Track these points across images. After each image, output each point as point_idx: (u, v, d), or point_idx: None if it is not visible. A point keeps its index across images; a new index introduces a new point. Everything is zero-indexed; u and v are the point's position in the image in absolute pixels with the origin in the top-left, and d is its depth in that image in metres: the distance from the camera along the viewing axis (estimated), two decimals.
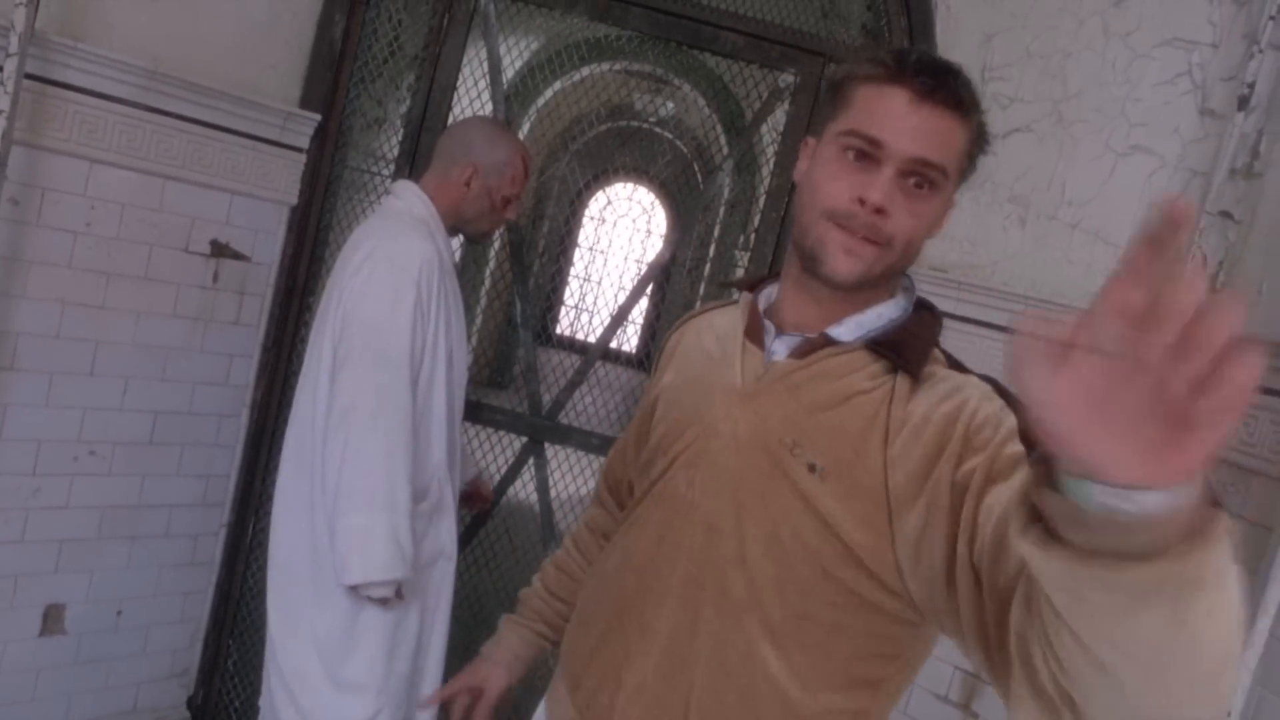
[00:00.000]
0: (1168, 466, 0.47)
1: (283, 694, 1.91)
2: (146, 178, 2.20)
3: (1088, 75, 2.22)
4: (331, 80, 2.47)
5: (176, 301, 2.33)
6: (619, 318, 2.73)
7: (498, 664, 1.38)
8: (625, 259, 8.47)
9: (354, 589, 1.81)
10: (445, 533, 2.01)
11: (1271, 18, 1.95)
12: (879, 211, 0.97)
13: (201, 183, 2.29)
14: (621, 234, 8.69)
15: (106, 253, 2.18)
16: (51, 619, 2.31)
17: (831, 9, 2.78)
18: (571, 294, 8.10)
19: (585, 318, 8.12)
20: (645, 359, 7.75)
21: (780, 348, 1.07)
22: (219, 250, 2.37)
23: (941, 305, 2.48)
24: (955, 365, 1.05)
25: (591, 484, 2.79)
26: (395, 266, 1.81)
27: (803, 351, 1.05)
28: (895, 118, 0.97)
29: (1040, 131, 2.28)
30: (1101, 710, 0.67)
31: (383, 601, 1.84)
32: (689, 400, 1.12)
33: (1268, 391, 1.78)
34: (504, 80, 2.53)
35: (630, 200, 8.77)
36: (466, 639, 2.06)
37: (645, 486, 1.15)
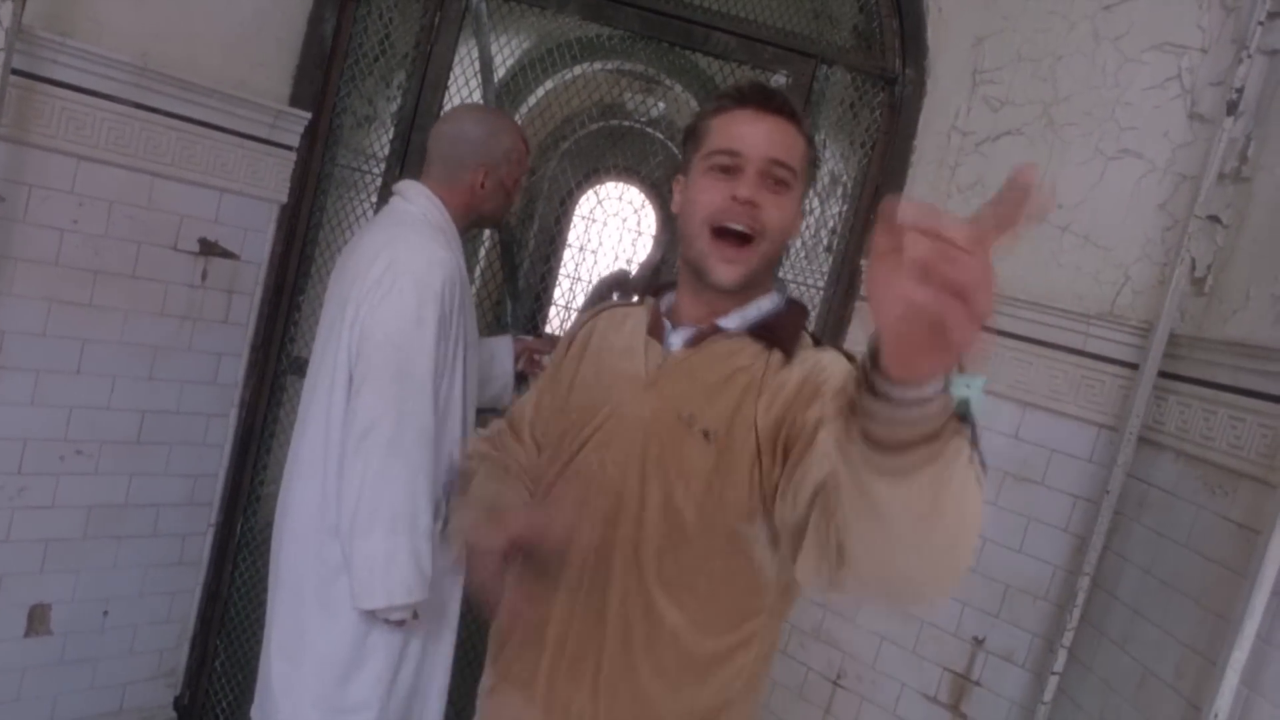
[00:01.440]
0: (926, 364, 0.66)
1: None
2: (135, 175, 2.18)
3: (1078, 79, 2.23)
4: (322, 78, 2.46)
5: (165, 300, 2.31)
6: None
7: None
8: (615, 258, 8.47)
9: (371, 611, 1.77)
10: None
11: (1260, 23, 1.96)
12: (751, 204, 1.17)
13: (190, 180, 2.27)
14: (611, 233, 8.69)
15: (94, 250, 2.17)
16: (37, 619, 2.29)
17: (823, 11, 2.78)
18: (561, 293, 8.09)
19: (575, 317, 8.11)
20: None
21: (676, 340, 1.26)
22: (208, 248, 2.36)
23: None
24: (819, 344, 1.26)
25: None
26: (418, 282, 1.73)
27: (695, 340, 1.24)
28: (746, 131, 1.18)
29: (1030, 134, 2.29)
30: (867, 559, 0.87)
31: (399, 623, 1.81)
32: (599, 391, 1.28)
33: (1253, 395, 1.80)
34: (495, 79, 2.53)
35: (620, 200, 8.77)
36: (462, 642, 2.05)
37: (558, 468, 1.28)
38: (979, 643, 2.29)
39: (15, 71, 1.91)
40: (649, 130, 6.91)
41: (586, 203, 9.18)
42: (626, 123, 6.71)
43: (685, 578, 1.16)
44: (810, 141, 1.25)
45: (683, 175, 1.28)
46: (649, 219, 9.09)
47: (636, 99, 5.88)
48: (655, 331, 1.29)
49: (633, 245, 9.03)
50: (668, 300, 1.34)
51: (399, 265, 1.75)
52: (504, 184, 1.98)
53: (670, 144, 7.03)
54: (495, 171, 1.95)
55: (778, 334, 1.21)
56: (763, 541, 1.15)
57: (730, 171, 1.19)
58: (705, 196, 1.20)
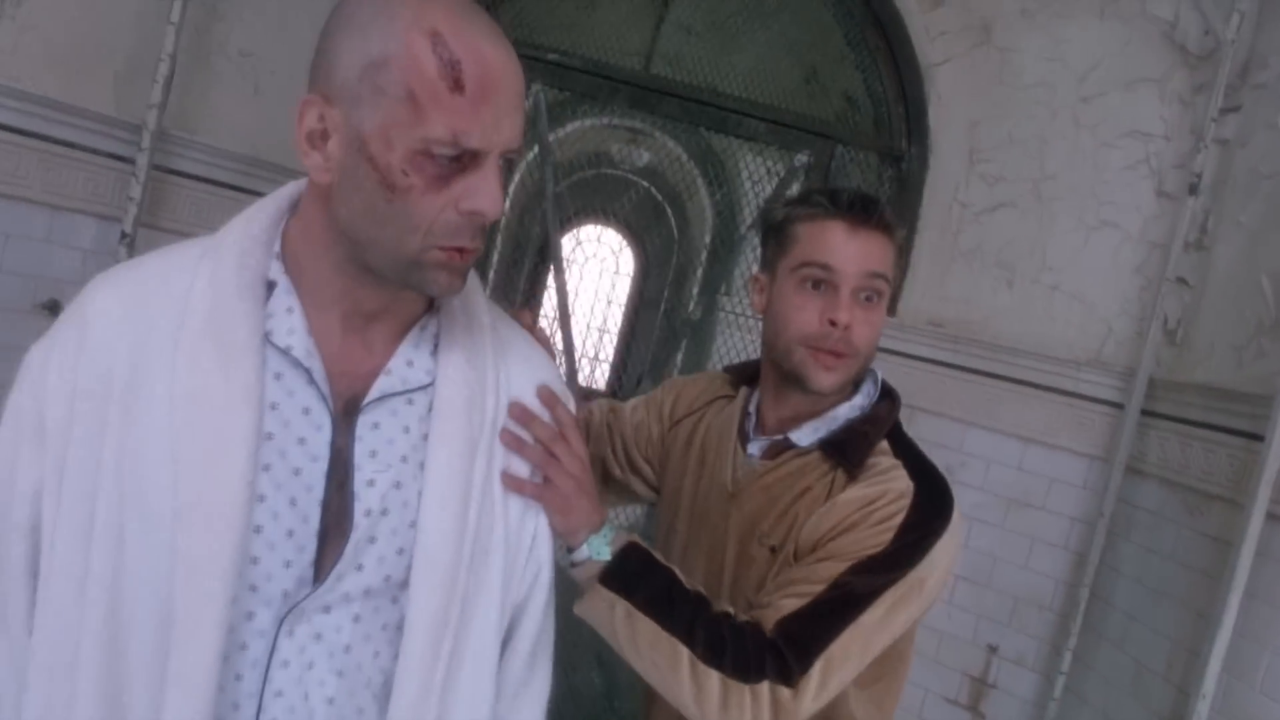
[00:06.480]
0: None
1: None
2: None
3: (1061, 159, 2.59)
4: None
5: None
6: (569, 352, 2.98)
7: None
8: (595, 298, 8.75)
9: None
10: None
11: (1213, 119, 2.34)
12: (846, 328, 1.15)
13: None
14: (590, 275, 8.97)
15: None
16: None
17: (830, 90, 3.14)
18: (549, 334, 8.33)
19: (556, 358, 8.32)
20: (615, 396, 7.99)
21: (755, 449, 1.28)
22: None
23: (938, 356, 2.83)
24: (902, 451, 1.20)
25: None
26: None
27: (772, 454, 1.26)
28: (839, 245, 1.16)
29: (1022, 207, 2.64)
30: None
31: None
32: (698, 491, 1.34)
33: (1221, 430, 2.13)
34: None
35: (599, 241, 9.07)
36: None
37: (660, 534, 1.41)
38: (993, 650, 2.60)
39: (154, 167, 2.17)
40: (632, 177, 7.23)
41: (566, 244, 9.46)
42: (613, 171, 7.03)
43: None
44: (900, 247, 1.24)
45: (765, 274, 1.26)
46: (627, 261, 9.40)
47: (623, 149, 6.21)
48: (742, 435, 1.31)
49: (612, 286, 9.32)
50: (755, 400, 1.34)
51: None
52: (366, 148, 0.74)
53: (654, 191, 7.37)
54: (338, 104, 0.75)
55: (845, 451, 1.18)
56: None
57: (823, 285, 1.16)
58: (799, 315, 1.18)
